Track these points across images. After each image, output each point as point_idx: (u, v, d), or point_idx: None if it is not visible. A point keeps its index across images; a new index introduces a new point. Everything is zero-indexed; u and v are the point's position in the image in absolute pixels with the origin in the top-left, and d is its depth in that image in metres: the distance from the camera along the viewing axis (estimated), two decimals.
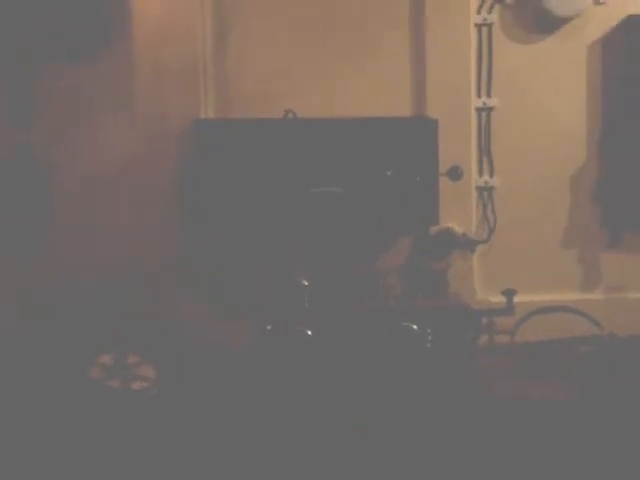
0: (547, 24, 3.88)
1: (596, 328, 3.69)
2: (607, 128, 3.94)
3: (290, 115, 3.60)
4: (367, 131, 3.58)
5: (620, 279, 3.99)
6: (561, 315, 3.75)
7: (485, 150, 3.93)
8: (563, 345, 3.65)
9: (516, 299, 3.64)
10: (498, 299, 3.69)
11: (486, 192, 3.95)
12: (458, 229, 3.89)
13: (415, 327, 3.32)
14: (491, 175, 3.95)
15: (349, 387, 3.14)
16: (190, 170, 3.61)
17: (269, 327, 3.25)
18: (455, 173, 3.68)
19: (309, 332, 3.24)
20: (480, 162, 3.94)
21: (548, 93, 3.92)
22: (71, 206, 3.67)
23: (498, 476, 3.07)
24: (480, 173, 3.95)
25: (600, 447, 3.09)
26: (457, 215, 3.87)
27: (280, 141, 3.56)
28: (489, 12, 3.88)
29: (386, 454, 3.07)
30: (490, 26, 3.87)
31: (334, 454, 3.06)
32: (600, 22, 3.90)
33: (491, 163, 3.94)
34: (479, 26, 3.87)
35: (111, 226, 3.66)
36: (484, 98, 3.90)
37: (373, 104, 3.75)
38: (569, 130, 3.93)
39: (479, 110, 3.91)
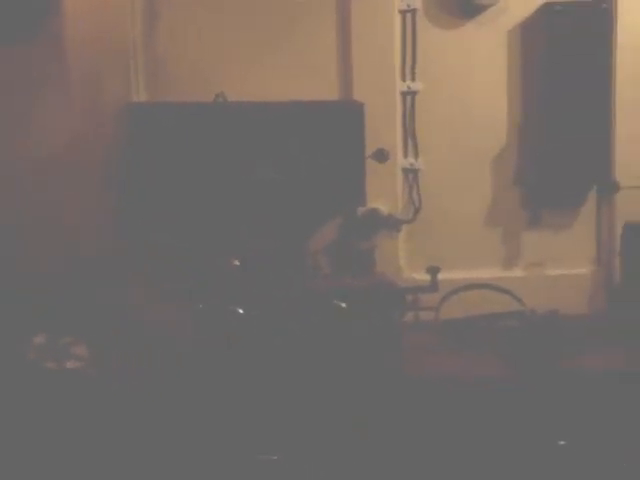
0: (469, 10, 3.96)
1: (517, 304, 3.79)
2: (527, 111, 4.05)
3: (220, 99, 3.62)
4: (295, 114, 3.62)
5: (539, 256, 4.10)
6: (484, 292, 3.86)
7: (410, 133, 4.00)
8: (486, 321, 3.74)
9: (440, 277, 3.74)
10: (423, 277, 3.79)
11: (411, 174, 4.03)
12: (384, 210, 3.96)
13: (343, 305, 3.36)
14: (416, 157, 4.02)
15: (279, 364, 3.19)
16: (124, 153, 3.61)
17: (201, 306, 3.27)
18: (381, 155, 3.74)
19: (240, 311, 3.27)
20: (405, 144, 4.01)
21: (470, 77, 4.01)
22: (4, 188, 3.64)
23: (422, 453, 3.15)
24: (405, 155, 4.02)
25: (522, 421, 3.19)
26: (383, 196, 3.94)
27: (210, 125, 3.57)
28: None
29: (315, 429, 3.13)
30: (414, 12, 3.93)
31: (263, 430, 3.12)
32: (520, 8, 3.99)
33: (416, 145, 4.01)
34: (403, 12, 3.93)
35: (45, 208, 3.65)
36: (409, 82, 3.96)
37: (301, 88, 3.79)
38: (491, 113, 4.03)
39: (404, 94, 3.97)
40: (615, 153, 4.04)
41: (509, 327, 3.60)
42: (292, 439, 3.11)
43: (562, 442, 3.18)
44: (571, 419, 3.20)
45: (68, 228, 3.62)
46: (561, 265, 4.09)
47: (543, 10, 3.95)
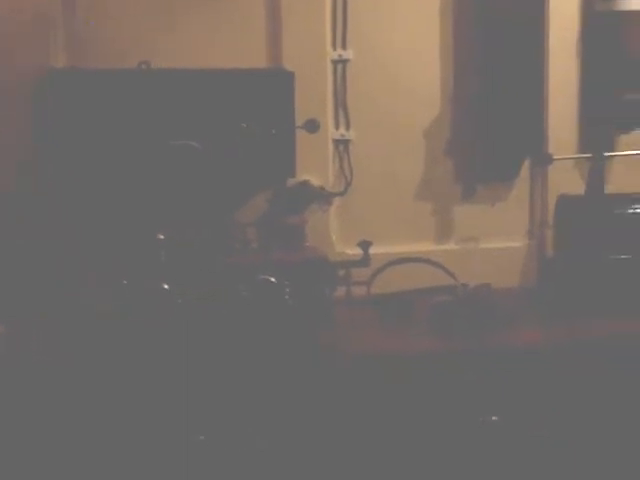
0: None
1: (450, 278, 3.77)
2: (460, 82, 4.01)
3: (144, 66, 3.52)
4: (222, 83, 3.53)
5: (472, 230, 4.08)
6: (416, 266, 3.82)
7: (341, 103, 3.94)
8: (418, 295, 3.71)
9: (372, 251, 3.69)
10: (355, 251, 3.73)
11: (342, 145, 3.96)
12: (315, 182, 3.90)
13: (273, 280, 3.31)
14: (347, 128, 3.96)
15: (206, 341, 3.12)
16: (44, 121, 3.47)
17: (125, 282, 3.18)
18: (312, 126, 3.67)
19: (166, 286, 3.19)
20: (336, 115, 3.95)
21: (402, 47, 3.95)
22: None
23: (361, 428, 3.13)
24: (336, 126, 3.96)
25: (455, 395, 3.18)
26: (314, 168, 3.87)
27: (134, 92, 3.46)
28: None
29: (247, 406, 3.08)
30: None
31: (191, 410, 3.06)
32: None
33: (347, 116, 3.95)
34: None
35: None
36: (339, 50, 3.89)
37: (229, 55, 3.70)
38: (423, 84, 3.98)
39: (335, 62, 3.90)
40: (548, 125, 4.03)
41: (442, 301, 3.57)
42: (221, 419, 3.06)
43: (494, 417, 3.18)
44: (504, 393, 3.19)
45: None
46: (494, 238, 4.08)
47: None
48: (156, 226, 3.34)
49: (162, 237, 3.30)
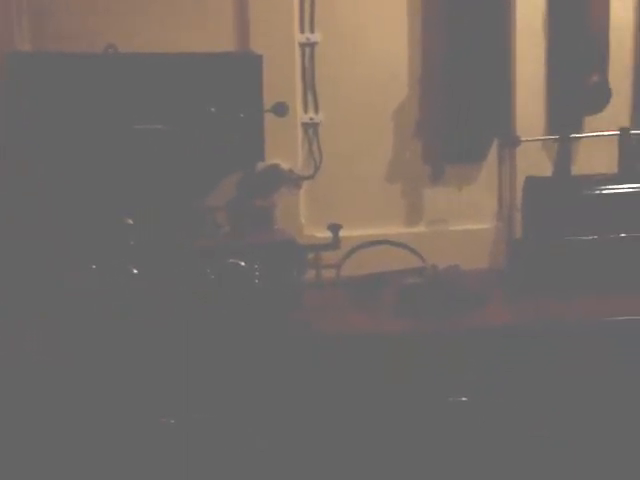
0: None
1: (419, 260, 3.78)
2: (428, 64, 4.01)
3: (111, 50, 3.49)
4: (190, 66, 3.50)
5: (441, 212, 4.10)
6: (386, 248, 3.83)
7: (310, 86, 3.93)
8: (388, 277, 3.72)
9: (342, 234, 3.69)
10: (324, 234, 3.73)
11: (311, 128, 3.96)
12: (284, 165, 3.89)
13: (243, 264, 3.31)
14: (316, 111, 3.95)
15: (176, 325, 3.12)
16: (8, 105, 3.43)
17: (94, 266, 3.17)
18: (280, 109, 3.67)
19: (135, 271, 3.18)
20: (305, 98, 3.94)
21: (370, 29, 3.94)
22: None
23: (325, 410, 3.13)
24: (305, 109, 3.95)
25: (427, 376, 3.19)
26: (283, 151, 3.86)
27: (101, 77, 3.43)
28: None
29: (216, 393, 3.08)
30: None
31: (162, 393, 3.05)
32: None
33: (316, 99, 3.94)
34: None
35: None
36: (307, 33, 3.88)
37: (196, 39, 3.67)
38: (391, 66, 3.97)
39: (302, 45, 3.89)
40: (516, 107, 4.04)
41: (411, 283, 3.57)
42: (192, 403, 3.05)
43: (464, 398, 3.20)
44: (473, 374, 3.21)
45: None
46: (463, 220, 4.09)
47: None
48: (124, 211, 3.33)
49: (130, 222, 3.29)
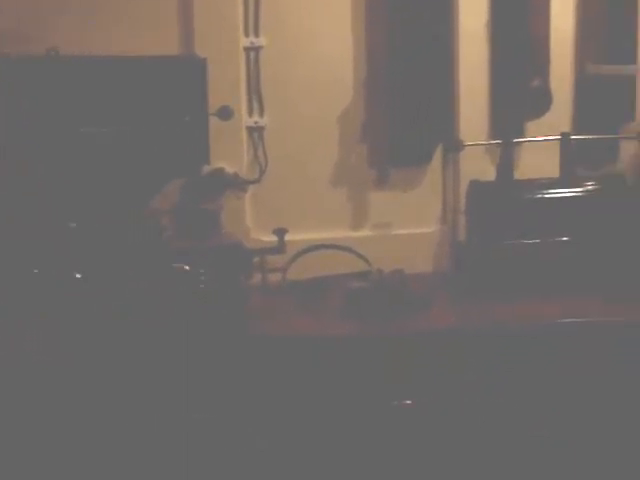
0: None
1: (364, 264, 3.80)
2: (372, 68, 4.02)
3: (52, 53, 3.45)
4: (134, 69, 3.48)
5: (386, 216, 4.11)
6: (331, 252, 3.84)
7: (255, 90, 3.92)
8: (334, 281, 3.73)
9: (287, 238, 3.69)
10: (270, 238, 3.73)
11: (256, 132, 3.95)
12: (229, 169, 3.88)
13: (187, 268, 3.29)
14: (261, 115, 3.95)
15: (119, 330, 3.10)
16: None
17: (36, 271, 3.14)
18: (225, 113, 3.66)
19: (78, 275, 3.16)
20: (250, 102, 3.93)
21: (315, 33, 3.94)
22: None
23: (268, 413, 3.14)
24: (250, 113, 3.94)
25: (372, 380, 3.21)
26: (228, 155, 3.85)
27: (43, 80, 3.40)
28: None
29: (160, 394, 3.07)
30: None
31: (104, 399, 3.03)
32: None
33: (261, 103, 3.93)
34: None
35: None
36: (252, 37, 3.88)
37: (139, 42, 3.64)
38: (336, 70, 3.98)
39: (247, 49, 3.88)
40: (459, 111, 4.06)
41: (356, 287, 3.59)
42: (134, 409, 3.04)
43: (409, 401, 3.21)
44: (418, 377, 3.23)
45: None
46: (408, 224, 4.11)
47: None
48: (68, 214, 3.30)
49: (74, 225, 3.26)
